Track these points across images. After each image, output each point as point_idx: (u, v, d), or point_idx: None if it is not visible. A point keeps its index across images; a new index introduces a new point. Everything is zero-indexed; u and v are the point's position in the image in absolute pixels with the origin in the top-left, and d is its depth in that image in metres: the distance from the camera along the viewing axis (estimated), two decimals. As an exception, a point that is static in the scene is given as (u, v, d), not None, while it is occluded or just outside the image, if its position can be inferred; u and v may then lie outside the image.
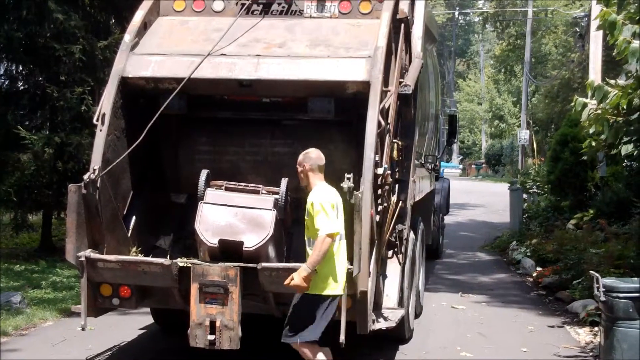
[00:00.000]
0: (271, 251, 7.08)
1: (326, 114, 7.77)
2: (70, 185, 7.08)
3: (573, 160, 16.44)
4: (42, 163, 13.73)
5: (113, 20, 15.51)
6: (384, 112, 7.34)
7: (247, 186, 7.41)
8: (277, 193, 7.37)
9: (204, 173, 7.37)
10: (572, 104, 9.22)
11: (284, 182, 7.43)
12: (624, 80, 9.53)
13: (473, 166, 62.59)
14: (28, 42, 14.07)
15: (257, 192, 7.33)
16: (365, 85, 7.30)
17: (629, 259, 11.29)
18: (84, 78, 13.90)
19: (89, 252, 7.08)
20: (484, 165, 61.05)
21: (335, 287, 6.41)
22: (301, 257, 7.20)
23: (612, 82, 8.73)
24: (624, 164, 15.05)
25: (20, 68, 15.14)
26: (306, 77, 7.51)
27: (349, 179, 6.64)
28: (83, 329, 7.23)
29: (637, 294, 7.22)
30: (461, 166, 62.83)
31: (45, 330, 9.55)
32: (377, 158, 7.03)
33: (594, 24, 17.16)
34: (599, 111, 8.57)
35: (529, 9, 46.04)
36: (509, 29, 52.13)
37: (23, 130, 13.44)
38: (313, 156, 6.60)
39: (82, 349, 8.48)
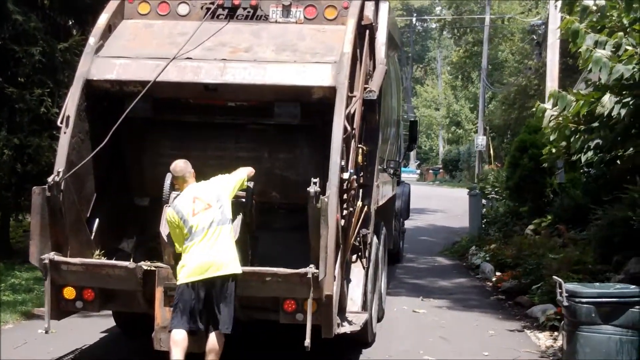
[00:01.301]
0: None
1: (292, 119, 7.80)
2: (34, 187, 7.03)
3: (532, 167, 16.63)
4: (1, 165, 13.54)
5: (73, 22, 15.36)
6: (349, 118, 7.38)
7: None
8: (242, 197, 7.38)
9: (169, 176, 7.36)
10: (532, 109, 9.34)
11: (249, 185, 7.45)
12: (584, 88, 9.70)
13: (430, 171, 63.00)
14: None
15: None
16: (331, 91, 7.34)
17: (587, 264, 11.45)
18: (43, 80, 13.74)
19: (53, 255, 7.04)
20: (441, 170, 61.48)
21: (180, 277, 6.70)
22: (266, 262, 7.25)
23: (575, 90, 8.88)
24: (581, 170, 15.26)
25: (-21, 69, 14.91)
26: (272, 82, 7.52)
27: (315, 183, 6.67)
28: (46, 332, 7.20)
29: (599, 299, 7.35)
30: (419, 171, 63.17)
31: (6, 332, 9.42)
32: (343, 163, 7.07)
33: (552, 32, 17.60)
34: (560, 119, 8.70)
35: (486, 16, 46.52)
36: (466, 35, 52.65)
37: (-19, 131, 13.25)
38: (172, 167, 7.21)
39: (43, 352, 8.39)
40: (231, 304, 6.72)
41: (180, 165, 7.10)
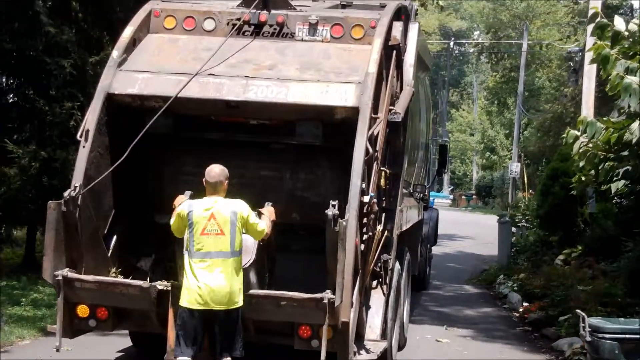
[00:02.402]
0: (252, 277, 6.93)
1: (314, 139, 7.69)
2: (50, 202, 6.97)
3: (563, 195, 16.31)
4: (28, 178, 13.57)
5: (106, 36, 15.41)
6: (372, 139, 7.24)
7: None
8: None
9: (187, 194, 7.22)
10: (564, 135, 9.12)
11: (267, 205, 7.31)
12: (617, 116, 9.46)
13: (463, 197, 62.61)
14: (19, 55, 13.95)
15: None
16: (354, 111, 7.20)
17: (616, 298, 11.17)
18: (74, 93, 13.79)
19: (67, 272, 6.97)
20: (474, 196, 61.08)
21: (182, 299, 6.48)
22: (284, 285, 7.09)
23: (605, 118, 8.65)
24: (613, 200, 14.96)
25: (11, 81, 14.99)
26: (295, 101, 7.40)
27: (333, 206, 6.53)
28: (58, 350, 7.08)
29: (623, 335, 7.12)
30: (451, 196, 62.78)
31: (21, 349, 9.37)
32: (363, 185, 6.92)
33: (588, 59, 17.33)
34: (590, 146, 8.47)
35: (523, 42, 46.23)
36: (503, 61, 52.37)
37: (10, 144, 13.30)
38: (207, 170, 6.78)
39: (55, 370, 8.28)
40: (239, 329, 6.57)
41: (216, 172, 6.66)
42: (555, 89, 44.17)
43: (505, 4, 53.37)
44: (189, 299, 6.43)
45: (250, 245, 6.91)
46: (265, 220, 6.90)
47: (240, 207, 6.63)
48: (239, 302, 6.52)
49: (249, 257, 6.88)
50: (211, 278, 6.39)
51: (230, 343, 6.52)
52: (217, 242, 6.45)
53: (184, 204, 6.71)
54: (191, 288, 6.42)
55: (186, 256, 6.52)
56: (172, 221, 6.73)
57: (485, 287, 17.57)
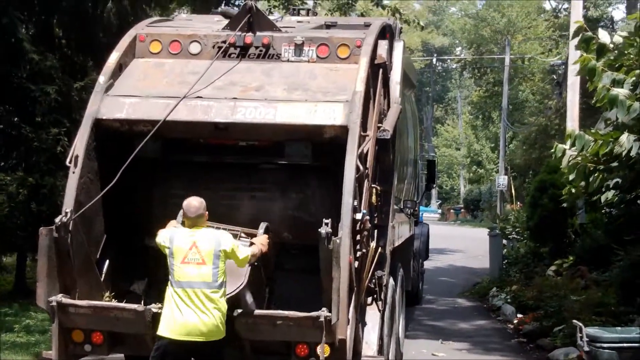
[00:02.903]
0: (249, 298, 6.91)
1: (303, 159, 7.68)
2: (42, 228, 6.92)
3: (552, 207, 16.40)
4: (17, 204, 13.53)
5: (90, 62, 15.42)
6: (362, 157, 7.23)
7: (225, 229, 7.18)
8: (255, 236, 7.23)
9: (179, 217, 7.19)
10: (552, 150, 9.18)
11: (263, 225, 7.28)
12: (603, 128, 9.53)
13: (452, 211, 62.76)
14: (3, 82, 13.92)
15: (234, 236, 7.11)
16: (344, 130, 7.20)
17: (610, 307, 11.20)
18: (59, 119, 13.80)
19: (61, 297, 6.91)
20: (462, 210, 61.23)
21: (161, 328, 6.40)
22: (278, 304, 7.08)
23: (592, 130, 8.72)
24: (603, 211, 15.02)
25: (-5, 108, 14.97)
26: (283, 121, 7.39)
27: (327, 224, 6.52)
28: (53, 376, 7.03)
29: (621, 344, 7.13)
30: (440, 211, 62.91)
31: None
32: (355, 203, 6.91)
33: (572, 72, 17.47)
34: (579, 159, 8.53)
35: (506, 57, 46.54)
36: (486, 75, 52.67)
37: (-3, 171, 13.27)
38: (185, 204, 6.67)
39: (50, 397, 8.21)
40: None
41: (195, 205, 6.56)
42: (539, 102, 44.49)
43: (486, 19, 53.82)
44: (169, 329, 6.30)
45: (242, 269, 6.89)
46: (252, 247, 6.77)
47: (223, 240, 6.49)
48: (220, 334, 6.36)
49: (240, 280, 6.80)
50: (191, 308, 6.26)
51: None
52: (197, 271, 6.32)
53: (164, 233, 6.62)
54: (171, 317, 6.30)
55: (170, 284, 6.41)
56: (161, 234, 6.73)
57: (478, 300, 17.60)
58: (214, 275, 6.34)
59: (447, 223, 55.69)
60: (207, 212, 6.65)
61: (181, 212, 6.98)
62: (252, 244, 6.87)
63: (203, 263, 6.34)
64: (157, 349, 6.41)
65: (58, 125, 13.70)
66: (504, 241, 21.25)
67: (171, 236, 6.51)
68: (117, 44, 8.30)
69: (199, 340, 6.29)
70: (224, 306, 6.40)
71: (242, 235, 7.19)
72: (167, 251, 6.47)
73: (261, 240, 7.00)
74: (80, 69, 15.01)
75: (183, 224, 6.87)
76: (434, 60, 70.32)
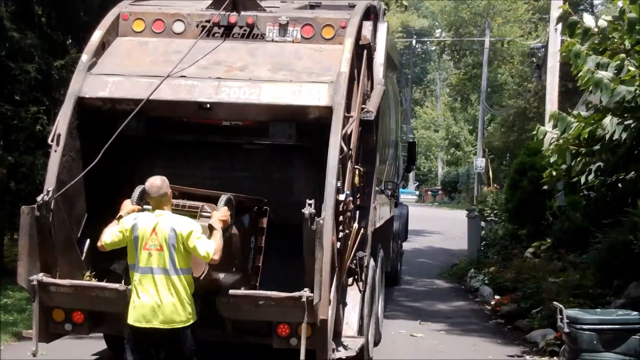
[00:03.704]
0: (224, 278, 6.90)
1: (287, 139, 7.67)
2: (23, 207, 6.90)
3: (531, 189, 16.49)
4: (-5, 183, 13.42)
5: (70, 40, 15.28)
6: (346, 138, 7.25)
7: (185, 206, 6.75)
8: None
9: (137, 189, 6.81)
10: (533, 132, 9.24)
11: (223, 198, 6.81)
12: (585, 111, 9.59)
13: (429, 193, 62.96)
14: (-18, 61, 13.79)
15: (196, 214, 6.68)
16: (328, 111, 7.22)
17: (587, 289, 11.31)
18: (39, 97, 13.64)
19: (42, 276, 6.90)
20: (440, 192, 61.45)
21: (129, 317, 6.15)
22: (266, 285, 7.12)
23: (575, 112, 8.78)
24: (581, 193, 15.14)
25: (-26, 86, 14.83)
26: (268, 101, 7.40)
27: (310, 205, 6.54)
28: (34, 355, 7.00)
29: (600, 326, 7.21)
30: (417, 192, 63.14)
31: (-6, 355, 9.27)
32: (339, 184, 6.94)
33: (552, 55, 17.55)
34: (561, 141, 8.58)
35: (486, 39, 46.60)
36: (465, 58, 52.74)
37: (-25, 150, 13.15)
38: (147, 183, 6.30)
39: (31, 375, 8.21)
40: (188, 352, 6.23)
41: (157, 185, 6.20)
42: (518, 85, 44.60)
43: (466, 2, 53.77)
44: (135, 317, 6.09)
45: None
46: (214, 240, 6.16)
47: (182, 225, 6.11)
48: (185, 320, 6.09)
49: (201, 269, 6.46)
50: (153, 294, 6.02)
51: None
52: (158, 257, 6.05)
53: (127, 219, 6.24)
54: (135, 304, 6.09)
55: (133, 270, 6.16)
56: (106, 237, 6.27)
57: (456, 282, 17.70)
58: (171, 262, 6.03)
59: (424, 205, 55.90)
60: (170, 191, 6.31)
61: (136, 191, 6.77)
62: (210, 226, 6.31)
63: (160, 249, 6.04)
64: (127, 340, 6.24)
65: (37, 103, 13.55)
66: (483, 223, 21.36)
67: (135, 221, 6.17)
68: (98, 23, 8.27)
69: (162, 327, 6.03)
70: (185, 291, 6.08)
71: (204, 211, 6.75)
72: (131, 242, 6.13)
73: (220, 215, 6.50)
74: (61, 47, 14.82)
75: (144, 204, 6.60)
76: (414, 42, 70.30)
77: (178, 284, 6.06)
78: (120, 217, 6.37)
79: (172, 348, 6.16)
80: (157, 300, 6.02)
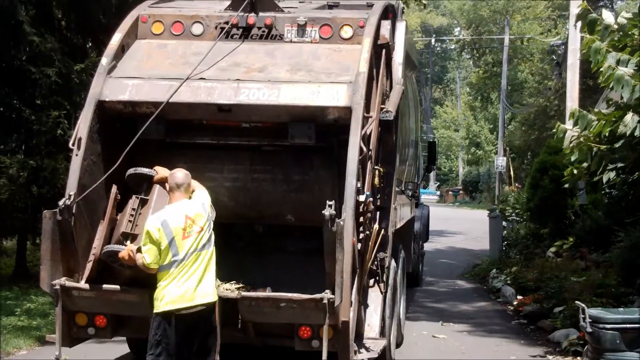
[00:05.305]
0: None
1: (307, 140, 7.64)
2: (45, 211, 6.93)
3: (553, 188, 16.40)
4: (17, 187, 13.50)
5: (90, 43, 15.36)
6: (365, 138, 7.23)
7: None
8: None
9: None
10: (553, 130, 9.17)
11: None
12: (605, 108, 9.51)
13: (450, 193, 62.78)
14: (3, 65, 13.87)
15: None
16: (347, 111, 7.20)
17: (610, 288, 11.22)
18: (59, 101, 13.72)
19: (64, 280, 6.93)
20: (461, 191, 61.25)
21: (158, 305, 6.27)
22: (281, 286, 7.09)
23: (596, 110, 8.71)
24: (603, 192, 15.02)
25: (-4, 91, 14.92)
26: (287, 102, 7.38)
27: (330, 206, 6.52)
28: (58, 359, 7.02)
29: (623, 325, 7.14)
30: (438, 192, 62.96)
31: (19, 359, 9.29)
32: (358, 185, 6.92)
33: (571, 52, 17.44)
34: (582, 139, 8.52)
35: (505, 37, 46.41)
36: (485, 56, 52.55)
37: (-3, 154, 13.24)
38: (172, 175, 6.62)
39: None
40: (217, 333, 6.41)
41: (183, 174, 6.53)
42: (538, 83, 44.31)
43: (485, -1, 53.59)
44: (173, 299, 6.17)
45: None
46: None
47: (202, 198, 6.56)
48: (216, 297, 6.41)
49: None
50: (198, 273, 6.24)
51: (211, 348, 6.40)
52: (199, 238, 6.29)
53: (150, 229, 6.26)
54: (174, 290, 6.18)
55: (170, 269, 6.23)
56: (147, 258, 6.29)
57: (478, 282, 17.62)
58: (210, 236, 6.41)
59: (445, 205, 55.72)
60: (193, 186, 6.65)
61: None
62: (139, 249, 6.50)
63: (202, 230, 6.32)
64: (156, 330, 6.27)
65: (58, 107, 13.62)
66: (504, 223, 21.26)
67: (163, 224, 6.25)
68: (117, 25, 8.30)
69: (204, 303, 6.24)
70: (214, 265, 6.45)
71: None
72: (167, 245, 6.21)
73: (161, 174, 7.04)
74: (80, 50, 14.91)
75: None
76: (433, 40, 70.09)
77: (213, 256, 6.39)
78: (139, 249, 6.45)
79: (209, 323, 6.34)
80: (201, 278, 6.24)
